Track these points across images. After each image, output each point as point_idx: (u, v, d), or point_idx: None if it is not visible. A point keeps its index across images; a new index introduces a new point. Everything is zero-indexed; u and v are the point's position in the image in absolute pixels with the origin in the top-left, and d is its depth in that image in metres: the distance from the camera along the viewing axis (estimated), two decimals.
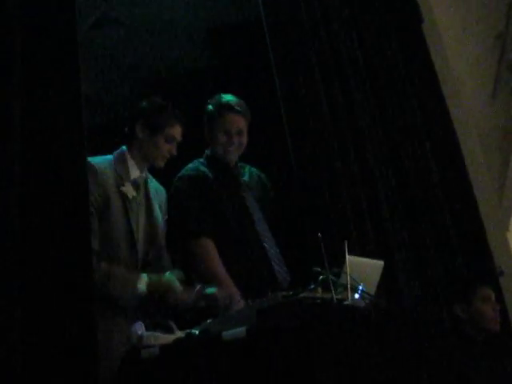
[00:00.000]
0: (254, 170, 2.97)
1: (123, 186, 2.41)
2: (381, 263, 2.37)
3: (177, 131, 2.50)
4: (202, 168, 2.81)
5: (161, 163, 2.50)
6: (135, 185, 2.47)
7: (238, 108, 2.79)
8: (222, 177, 2.80)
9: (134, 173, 2.47)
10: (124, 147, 2.52)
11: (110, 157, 2.50)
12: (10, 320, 1.68)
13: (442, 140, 4.04)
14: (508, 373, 2.55)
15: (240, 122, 2.79)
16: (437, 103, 4.11)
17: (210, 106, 2.84)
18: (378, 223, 3.26)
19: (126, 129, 2.52)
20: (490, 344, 2.78)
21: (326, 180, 3.12)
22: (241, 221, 2.74)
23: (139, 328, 2.00)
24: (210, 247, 2.62)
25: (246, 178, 2.89)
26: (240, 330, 1.75)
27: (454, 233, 3.74)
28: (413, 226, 3.51)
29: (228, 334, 1.77)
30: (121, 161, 2.46)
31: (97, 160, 2.42)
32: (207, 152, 2.88)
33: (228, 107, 2.78)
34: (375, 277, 2.31)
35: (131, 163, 2.47)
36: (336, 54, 3.46)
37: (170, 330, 2.03)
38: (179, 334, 2.00)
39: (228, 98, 2.83)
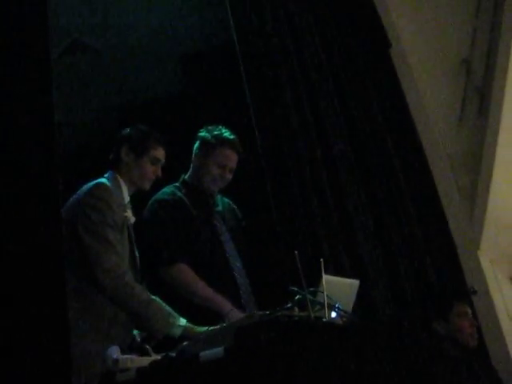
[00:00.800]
0: (225, 200, 2.99)
1: (125, 211, 2.45)
2: (356, 282, 2.39)
3: (161, 153, 2.57)
4: (178, 193, 2.82)
5: (147, 185, 2.56)
6: (129, 210, 2.50)
7: (238, 148, 2.86)
8: (197, 204, 2.82)
9: (126, 198, 2.50)
10: (112, 171, 2.52)
11: (100, 180, 2.48)
12: None
13: (412, 162, 4.12)
14: None
15: (235, 161, 2.86)
16: (406, 127, 4.21)
17: (209, 136, 2.87)
18: (351, 243, 3.30)
19: (111, 155, 2.56)
20: (467, 359, 2.80)
21: (298, 202, 3.15)
22: (213, 249, 2.75)
23: (114, 351, 1.97)
24: (188, 271, 2.62)
25: (219, 207, 2.92)
26: (218, 350, 1.74)
27: (426, 252, 3.80)
28: (385, 245, 3.56)
29: (205, 355, 1.76)
30: (117, 185, 2.47)
31: (104, 181, 2.44)
32: (184, 177, 2.90)
33: (230, 144, 2.84)
34: (351, 296, 2.33)
35: (124, 188, 2.49)
36: (306, 78, 3.52)
37: (145, 353, 2.01)
38: (155, 357, 1.98)
39: (228, 133, 2.88)
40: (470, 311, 2.98)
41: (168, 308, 2.32)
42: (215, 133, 2.87)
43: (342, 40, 3.91)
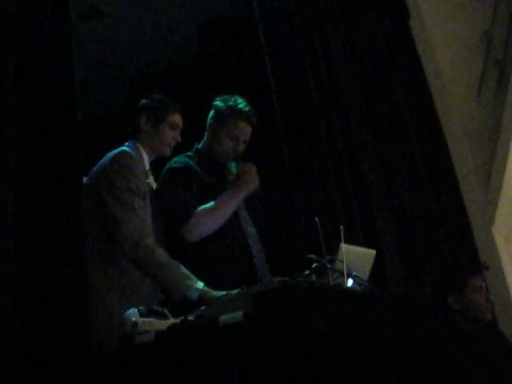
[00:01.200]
0: (240, 165, 2.95)
1: (147, 178, 2.51)
2: (373, 252, 2.39)
3: (178, 118, 2.61)
4: (190, 162, 2.78)
5: (168, 151, 2.61)
6: (151, 176, 2.56)
7: (253, 120, 2.76)
8: (209, 173, 2.77)
9: (147, 165, 2.55)
10: (131, 142, 2.56)
11: (122, 148, 2.52)
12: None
13: (429, 136, 4.09)
14: (498, 360, 2.59)
15: (249, 133, 2.78)
16: (424, 100, 4.17)
17: (223, 107, 2.78)
18: (368, 218, 3.29)
19: (130, 126, 2.60)
20: (481, 333, 2.81)
21: (317, 174, 3.14)
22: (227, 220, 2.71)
23: (133, 314, 1.99)
24: (202, 211, 2.59)
25: (233, 176, 2.85)
26: (237, 315, 1.74)
27: (441, 227, 3.79)
28: (401, 220, 3.55)
29: (225, 319, 1.76)
30: (138, 153, 2.52)
31: (127, 149, 2.48)
32: (198, 146, 2.85)
33: (245, 116, 2.74)
34: (367, 265, 2.32)
35: (145, 156, 2.54)
36: (326, 50, 3.49)
37: (164, 317, 2.02)
38: (174, 320, 1.99)
39: (243, 104, 2.77)
40: (484, 285, 2.96)
41: (186, 271, 2.34)
42: (230, 103, 2.78)
43: (362, 11, 3.86)
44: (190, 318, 1.91)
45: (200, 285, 2.30)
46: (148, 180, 2.51)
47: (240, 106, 2.76)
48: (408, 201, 3.67)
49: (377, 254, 2.40)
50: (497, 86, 4.21)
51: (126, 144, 2.53)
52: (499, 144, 4.20)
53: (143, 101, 2.62)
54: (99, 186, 2.36)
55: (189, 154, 2.84)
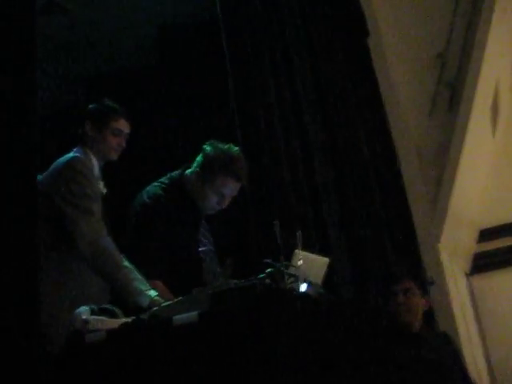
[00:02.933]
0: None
1: (98, 184, 2.51)
2: (327, 260, 2.41)
3: (121, 124, 2.60)
4: (162, 197, 2.61)
5: (114, 156, 2.60)
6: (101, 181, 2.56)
7: (245, 179, 2.61)
8: (181, 209, 2.63)
9: (97, 170, 2.55)
10: (79, 147, 2.57)
11: (73, 154, 2.52)
12: None
13: (381, 152, 4.17)
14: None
15: (238, 189, 2.62)
16: (378, 116, 4.25)
17: (214, 157, 2.59)
18: (321, 229, 3.33)
19: (78, 131, 2.61)
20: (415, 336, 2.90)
21: (274, 187, 3.15)
22: (190, 264, 2.61)
23: (84, 312, 1.94)
24: (160, 290, 2.38)
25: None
26: (192, 315, 1.73)
27: (390, 242, 3.87)
28: (352, 235, 3.61)
29: (179, 319, 1.75)
30: (88, 159, 2.52)
31: (79, 154, 2.49)
32: (175, 177, 2.69)
33: (236, 175, 2.57)
34: (321, 272, 2.34)
35: (94, 161, 2.54)
36: (286, 58, 3.53)
37: (115, 316, 1.98)
38: (125, 320, 1.95)
39: (235, 160, 2.58)
40: (401, 290, 3.01)
41: (140, 276, 2.31)
42: (222, 157, 2.57)
43: (322, 24, 3.92)
44: (143, 317, 1.88)
45: (152, 293, 2.27)
46: (99, 185, 2.52)
47: (231, 162, 2.58)
48: (359, 216, 3.72)
49: (331, 264, 2.43)
50: (448, 107, 4.35)
51: (75, 150, 2.54)
52: (448, 163, 4.33)
53: (90, 106, 2.64)
54: (53, 192, 2.38)
55: (164, 182, 2.69)
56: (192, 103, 3.83)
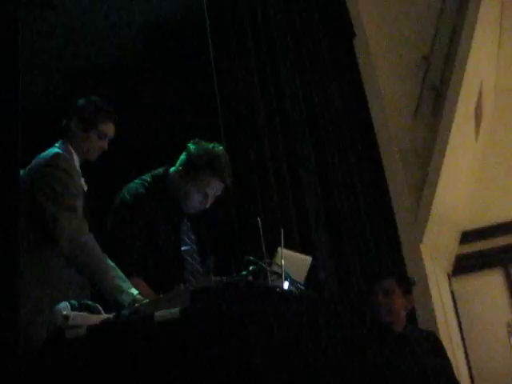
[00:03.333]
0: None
1: (79, 179, 2.45)
2: (309, 258, 2.42)
3: (109, 128, 2.54)
4: (143, 194, 2.59)
5: (94, 157, 2.55)
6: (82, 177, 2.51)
7: (229, 179, 2.58)
8: (162, 203, 2.61)
9: (77, 166, 2.50)
10: (62, 140, 2.52)
11: (59, 147, 2.48)
12: None
13: (365, 153, 4.19)
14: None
15: (221, 188, 2.61)
16: (362, 117, 4.27)
17: (197, 157, 2.58)
18: (304, 227, 3.33)
19: (63, 124, 2.54)
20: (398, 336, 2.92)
21: (258, 186, 3.15)
22: (171, 262, 2.59)
23: (64, 308, 1.93)
24: (140, 286, 2.39)
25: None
26: (174, 311, 1.72)
27: (373, 241, 3.89)
28: (335, 233, 3.61)
29: (161, 315, 1.74)
30: (69, 153, 2.47)
31: (60, 151, 2.43)
32: (158, 174, 2.68)
33: (220, 175, 2.55)
34: (303, 271, 2.35)
35: (75, 157, 2.49)
36: (272, 57, 3.53)
37: (96, 312, 1.97)
38: (106, 316, 1.94)
39: (219, 159, 2.56)
40: (381, 289, 3.00)
41: (122, 274, 2.31)
42: (205, 156, 2.56)
43: (308, 25, 3.93)
44: (124, 313, 1.87)
45: (134, 291, 2.26)
46: (81, 182, 2.47)
47: (215, 161, 2.56)
48: (343, 215, 3.74)
49: (312, 261, 2.44)
50: (432, 109, 4.38)
51: (57, 145, 2.49)
52: (431, 165, 4.36)
53: (79, 101, 2.55)
54: (35, 189, 2.34)
55: (146, 179, 2.66)
56: (177, 101, 3.82)
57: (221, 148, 2.66)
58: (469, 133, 4.91)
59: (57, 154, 2.42)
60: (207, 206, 2.64)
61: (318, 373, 1.71)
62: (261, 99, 3.28)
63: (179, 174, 2.64)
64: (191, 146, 2.64)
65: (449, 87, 4.28)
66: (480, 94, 4.80)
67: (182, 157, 2.66)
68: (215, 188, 2.61)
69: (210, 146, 2.63)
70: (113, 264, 2.33)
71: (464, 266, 5.34)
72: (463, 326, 5.02)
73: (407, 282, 3.14)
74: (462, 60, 4.25)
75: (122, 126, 2.62)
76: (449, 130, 4.33)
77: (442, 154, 4.33)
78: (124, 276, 2.31)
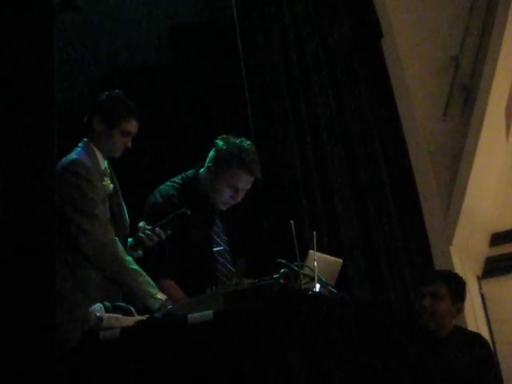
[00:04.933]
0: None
1: (103, 180, 2.44)
2: (340, 261, 2.42)
3: (132, 126, 2.51)
4: (175, 197, 2.62)
5: (117, 155, 2.53)
6: (107, 177, 2.49)
7: (257, 172, 2.58)
8: (193, 207, 2.56)
9: (102, 164, 2.49)
10: (86, 139, 2.51)
11: (79, 150, 2.47)
12: None
13: (394, 155, 4.16)
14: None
15: (251, 182, 2.62)
16: (391, 119, 4.24)
17: (226, 151, 2.60)
18: (336, 232, 3.33)
19: (85, 119, 2.53)
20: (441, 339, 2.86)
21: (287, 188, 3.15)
22: (203, 263, 2.61)
23: (98, 310, 1.95)
24: (172, 289, 2.45)
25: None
26: (207, 313, 1.73)
27: (402, 243, 3.86)
28: (365, 235, 3.60)
29: (194, 317, 1.74)
30: (91, 154, 2.46)
31: (78, 156, 2.42)
32: (189, 176, 2.70)
33: (248, 168, 2.56)
34: (334, 273, 2.35)
35: (99, 155, 2.48)
36: (301, 60, 3.53)
37: (129, 314, 1.98)
38: (139, 317, 1.96)
39: (247, 152, 2.58)
40: (444, 291, 2.90)
41: (149, 279, 2.31)
42: (233, 150, 2.59)
43: (337, 25, 3.92)
44: (158, 315, 1.88)
45: (162, 296, 2.27)
46: (104, 183, 2.45)
47: (244, 155, 2.58)
48: (373, 218, 3.72)
49: (343, 264, 2.43)
50: (462, 110, 4.32)
51: (80, 145, 2.48)
52: (461, 167, 4.30)
53: (101, 97, 2.52)
54: (56, 196, 2.26)
55: (177, 181, 2.69)
56: (205, 102, 3.83)
57: (248, 142, 2.67)
58: (499, 133, 4.83)
59: (74, 160, 2.40)
60: (238, 200, 2.65)
61: (351, 375, 1.70)
62: (289, 98, 3.27)
63: (209, 170, 2.67)
64: (219, 142, 2.67)
65: (479, 87, 4.22)
66: (510, 94, 4.72)
67: (211, 153, 2.69)
68: (245, 181, 2.62)
69: (238, 140, 2.66)
70: (139, 268, 2.32)
71: (494, 268, 5.25)
72: (493, 329, 4.94)
73: (461, 289, 3.01)
74: (492, 59, 4.19)
75: (147, 128, 2.60)
76: (479, 129, 4.27)
77: (472, 155, 4.27)
78: (151, 280, 2.31)
